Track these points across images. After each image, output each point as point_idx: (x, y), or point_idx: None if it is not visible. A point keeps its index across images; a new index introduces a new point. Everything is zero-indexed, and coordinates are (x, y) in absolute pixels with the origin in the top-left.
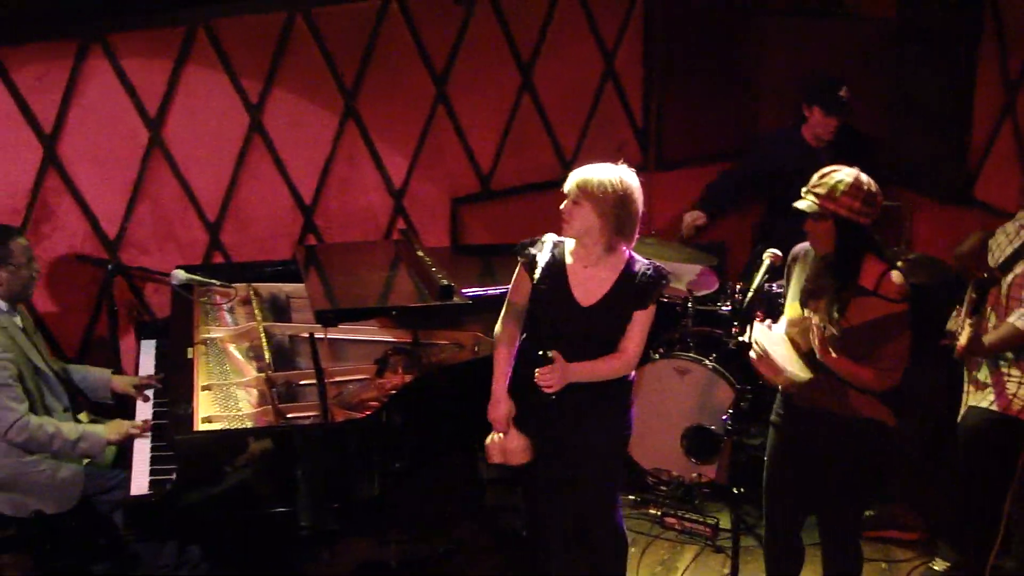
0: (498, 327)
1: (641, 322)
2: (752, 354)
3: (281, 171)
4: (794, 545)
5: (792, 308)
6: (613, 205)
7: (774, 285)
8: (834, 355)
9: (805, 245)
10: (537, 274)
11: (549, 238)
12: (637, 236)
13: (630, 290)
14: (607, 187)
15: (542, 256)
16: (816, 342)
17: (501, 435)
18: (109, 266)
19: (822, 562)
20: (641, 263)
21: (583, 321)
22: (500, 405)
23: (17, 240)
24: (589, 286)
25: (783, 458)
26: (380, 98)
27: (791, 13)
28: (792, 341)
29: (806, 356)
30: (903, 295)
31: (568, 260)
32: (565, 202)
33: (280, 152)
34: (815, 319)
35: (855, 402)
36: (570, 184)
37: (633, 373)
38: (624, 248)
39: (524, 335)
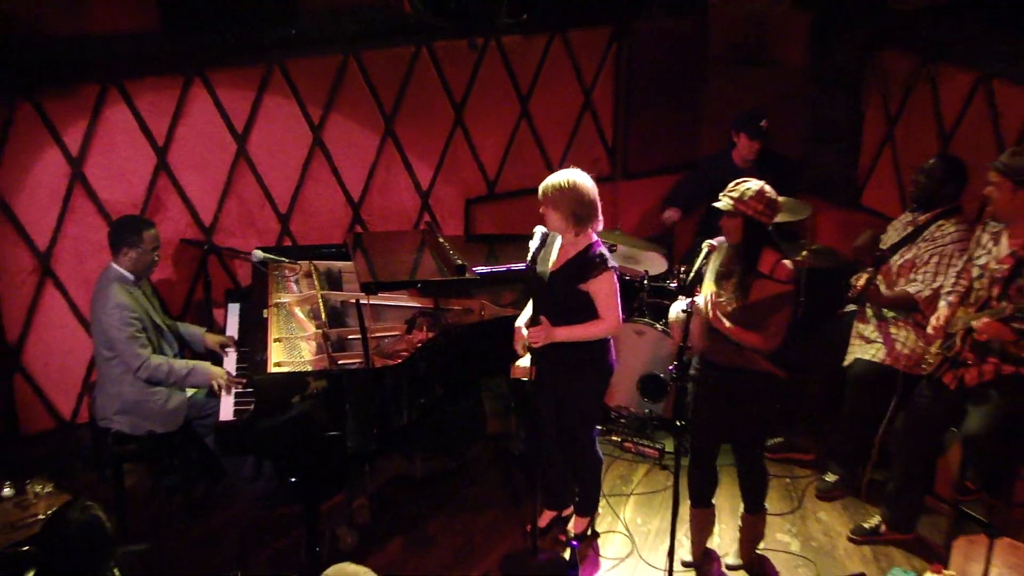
0: None
1: (599, 294)
2: (673, 316)
3: (336, 176)
4: (711, 468)
5: (708, 286)
6: (567, 202)
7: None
8: (728, 324)
9: (720, 239)
10: (529, 257)
11: (538, 230)
12: (600, 220)
13: (577, 266)
14: (559, 188)
15: (533, 243)
16: (712, 315)
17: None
18: (205, 247)
19: (738, 479)
20: (598, 250)
21: (545, 284)
22: (516, 333)
23: (149, 231)
24: (558, 259)
25: (702, 403)
26: (412, 121)
27: (727, 61)
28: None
29: (706, 324)
30: (791, 278)
31: (557, 243)
32: (541, 207)
33: (336, 162)
34: (719, 296)
35: (754, 360)
36: (540, 192)
37: (612, 341)
38: (590, 231)
39: None
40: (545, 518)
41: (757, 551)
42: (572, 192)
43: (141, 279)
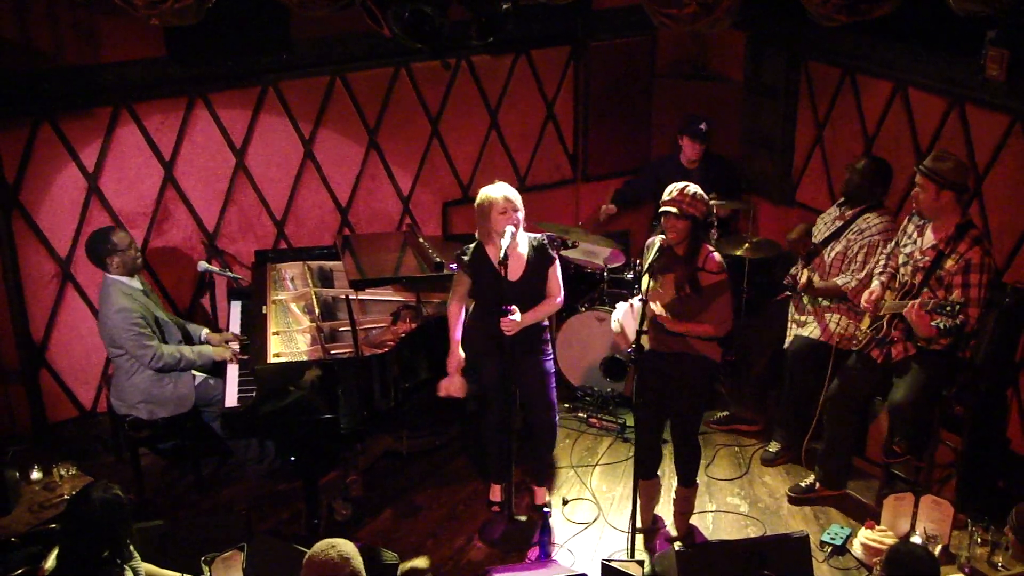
0: (450, 307)
1: (554, 273)
2: (614, 326)
3: (326, 185)
4: (656, 446)
5: (644, 281)
6: (477, 215)
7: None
8: (672, 321)
9: (654, 238)
10: (502, 254)
11: (470, 247)
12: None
13: (538, 256)
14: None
15: (505, 241)
16: (661, 315)
17: (449, 377)
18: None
19: (673, 453)
20: (535, 236)
21: (515, 280)
22: (455, 355)
23: (117, 234)
24: (513, 265)
25: (646, 385)
26: (393, 134)
27: (673, 75)
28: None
29: (651, 321)
30: (721, 269)
31: (489, 253)
32: (512, 211)
33: (325, 172)
34: (656, 306)
35: (691, 345)
36: (515, 200)
37: (547, 322)
38: (514, 231)
39: (472, 306)
40: (495, 492)
41: (692, 519)
42: (479, 208)
43: (135, 274)
